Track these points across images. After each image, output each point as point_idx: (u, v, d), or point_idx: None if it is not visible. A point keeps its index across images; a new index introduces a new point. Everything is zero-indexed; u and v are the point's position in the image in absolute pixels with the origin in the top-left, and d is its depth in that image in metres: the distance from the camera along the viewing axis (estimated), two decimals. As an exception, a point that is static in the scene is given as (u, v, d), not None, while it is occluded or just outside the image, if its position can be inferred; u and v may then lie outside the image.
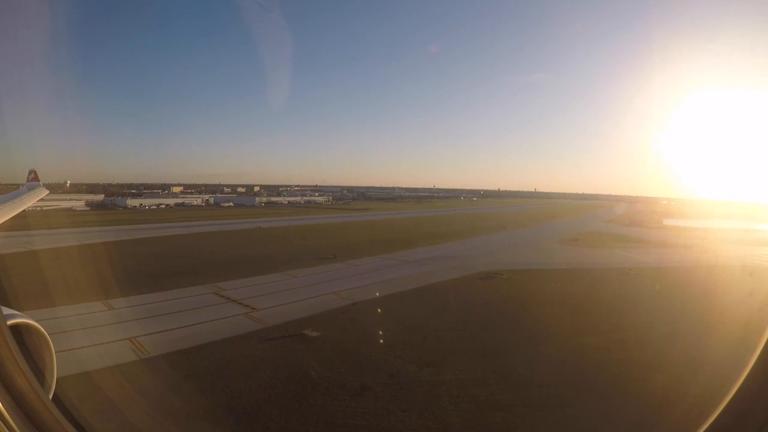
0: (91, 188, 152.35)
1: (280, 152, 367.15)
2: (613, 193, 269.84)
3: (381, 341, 22.31)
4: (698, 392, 16.13)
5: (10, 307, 4.91)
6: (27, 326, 4.64)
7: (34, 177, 21.07)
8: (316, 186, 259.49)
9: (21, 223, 55.32)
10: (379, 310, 28.00)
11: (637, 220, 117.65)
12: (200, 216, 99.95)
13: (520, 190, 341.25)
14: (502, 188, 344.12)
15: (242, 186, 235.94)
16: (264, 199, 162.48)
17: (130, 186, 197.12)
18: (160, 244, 56.55)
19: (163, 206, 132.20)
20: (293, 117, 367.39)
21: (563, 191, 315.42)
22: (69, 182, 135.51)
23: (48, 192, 21.95)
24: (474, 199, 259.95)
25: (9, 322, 3.99)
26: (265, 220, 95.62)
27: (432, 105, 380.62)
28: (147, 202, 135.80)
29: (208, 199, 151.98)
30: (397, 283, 34.90)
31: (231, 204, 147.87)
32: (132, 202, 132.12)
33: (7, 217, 12.79)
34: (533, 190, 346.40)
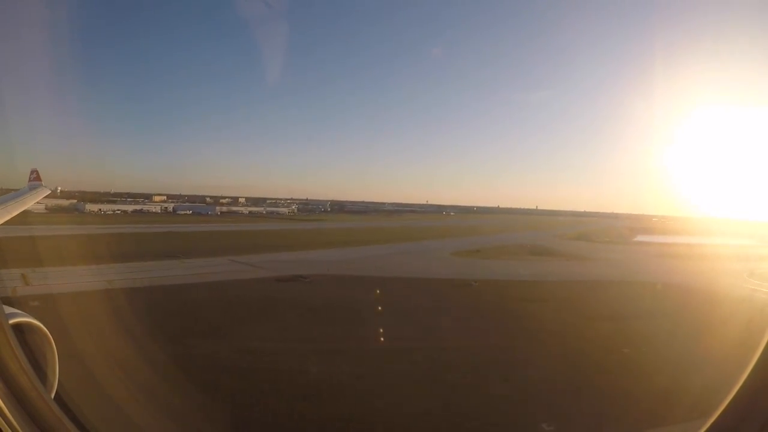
0: (82, 196, 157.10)
1: (279, 166, 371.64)
2: (615, 211, 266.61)
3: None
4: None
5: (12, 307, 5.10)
6: (29, 325, 4.67)
7: (36, 177, 20.78)
8: (307, 200, 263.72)
9: None
10: (117, 297, 31.42)
11: (592, 235, 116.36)
12: (137, 221, 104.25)
13: (521, 207, 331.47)
14: (503, 205, 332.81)
15: (228, 197, 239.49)
16: (224, 209, 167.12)
17: (127, 195, 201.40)
18: (38, 241, 60.04)
19: (119, 212, 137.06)
20: (294, 132, 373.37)
21: (565, 208, 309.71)
22: (60, 188, 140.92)
23: (50, 191, 22.44)
24: (452, 213, 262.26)
25: (11, 321, 4.05)
26: (194, 225, 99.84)
27: (431, 120, 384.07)
28: (105, 207, 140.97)
29: (166, 207, 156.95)
30: (185, 278, 38.82)
31: (189, 212, 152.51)
32: (90, 208, 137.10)
33: (9, 216, 12.61)
34: (534, 207, 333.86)
